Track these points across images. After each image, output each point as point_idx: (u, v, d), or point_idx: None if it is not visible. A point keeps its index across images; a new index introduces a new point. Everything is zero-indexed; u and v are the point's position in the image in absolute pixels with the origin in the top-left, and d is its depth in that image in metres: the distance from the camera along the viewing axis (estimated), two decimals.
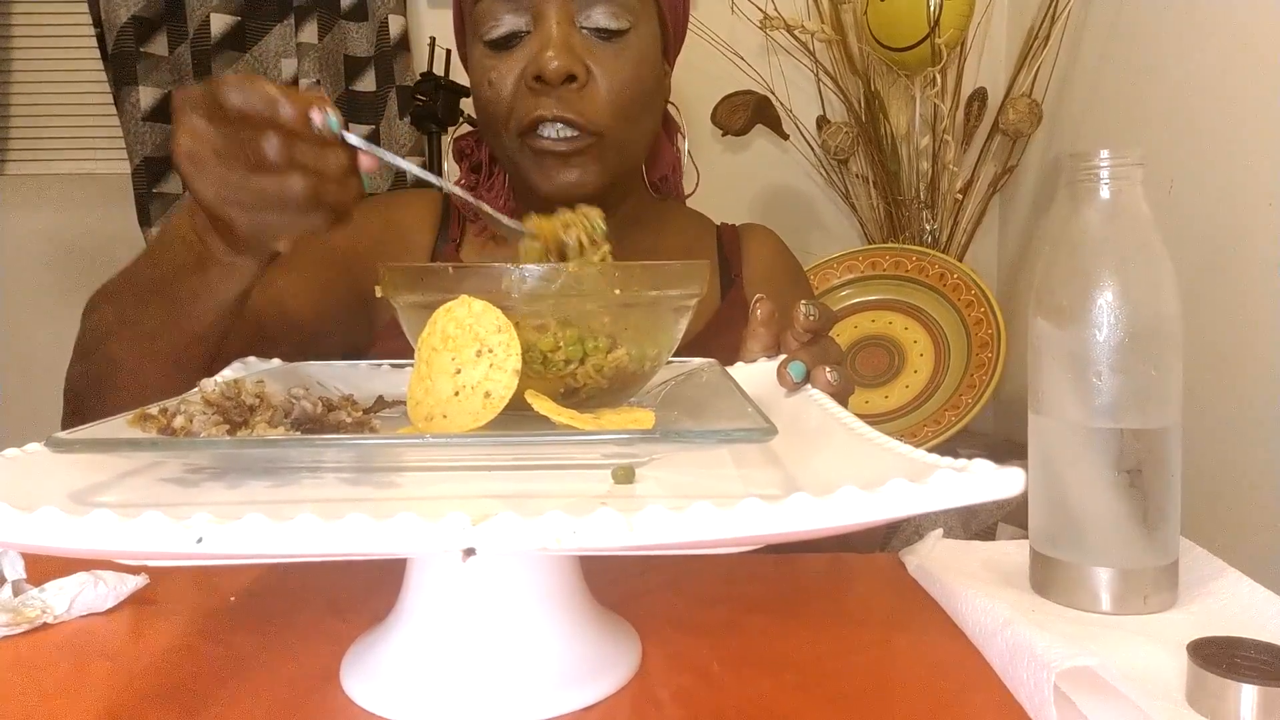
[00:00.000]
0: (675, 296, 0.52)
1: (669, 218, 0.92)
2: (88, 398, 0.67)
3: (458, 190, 0.59)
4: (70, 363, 0.69)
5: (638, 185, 0.88)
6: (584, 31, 0.76)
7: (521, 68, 0.75)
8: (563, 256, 0.57)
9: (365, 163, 0.54)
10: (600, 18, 0.76)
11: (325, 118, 0.51)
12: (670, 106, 0.90)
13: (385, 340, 0.83)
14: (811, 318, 0.59)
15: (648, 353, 0.52)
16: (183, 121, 0.52)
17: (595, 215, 0.59)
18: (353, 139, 0.53)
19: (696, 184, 0.96)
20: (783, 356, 0.58)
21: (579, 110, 0.75)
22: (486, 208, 0.59)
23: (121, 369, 0.64)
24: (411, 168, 0.56)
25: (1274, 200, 1.10)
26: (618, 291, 0.49)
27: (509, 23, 0.76)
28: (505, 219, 0.59)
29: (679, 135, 0.93)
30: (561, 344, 0.48)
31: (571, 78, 0.74)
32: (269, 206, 0.52)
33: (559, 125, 0.75)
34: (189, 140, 0.51)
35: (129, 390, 0.63)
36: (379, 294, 0.53)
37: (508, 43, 0.77)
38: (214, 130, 0.51)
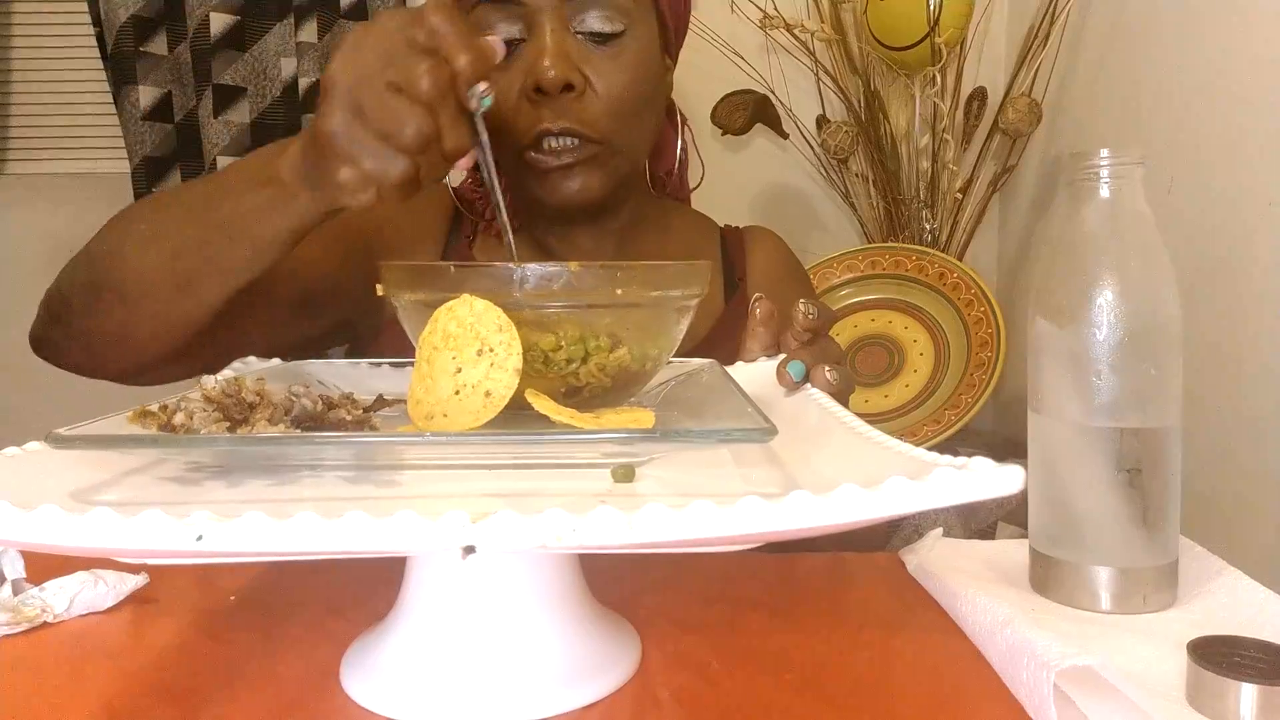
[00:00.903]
0: (677, 297, 0.52)
1: (673, 220, 0.92)
2: (74, 306, 0.65)
3: (503, 210, 0.59)
4: (67, 266, 0.67)
5: (641, 186, 0.88)
6: (579, 36, 0.76)
7: (520, 80, 0.75)
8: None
9: (463, 159, 0.54)
10: (594, 22, 0.75)
11: (480, 94, 0.52)
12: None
13: (392, 329, 0.83)
14: (811, 316, 0.59)
15: (649, 352, 0.52)
16: (372, 31, 0.52)
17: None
18: (482, 134, 0.54)
19: (702, 176, 0.96)
20: (782, 356, 0.58)
21: (579, 119, 0.75)
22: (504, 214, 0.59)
23: (126, 287, 0.62)
24: (498, 195, 0.57)
25: (1274, 200, 1.10)
26: (620, 291, 0.49)
27: (503, 30, 0.75)
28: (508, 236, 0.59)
29: (684, 126, 0.92)
30: (564, 343, 0.48)
31: (569, 86, 0.74)
32: (385, 132, 0.50)
33: (562, 137, 0.75)
34: (358, 54, 0.51)
35: (119, 315, 0.62)
36: (380, 292, 0.53)
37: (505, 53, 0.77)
38: (381, 44, 0.51)
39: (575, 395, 0.50)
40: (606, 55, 0.76)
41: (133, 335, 0.64)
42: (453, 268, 0.49)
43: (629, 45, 0.77)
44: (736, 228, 0.95)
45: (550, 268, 0.48)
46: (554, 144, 0.75)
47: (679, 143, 0.92)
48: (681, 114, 0.92)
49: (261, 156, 0.61)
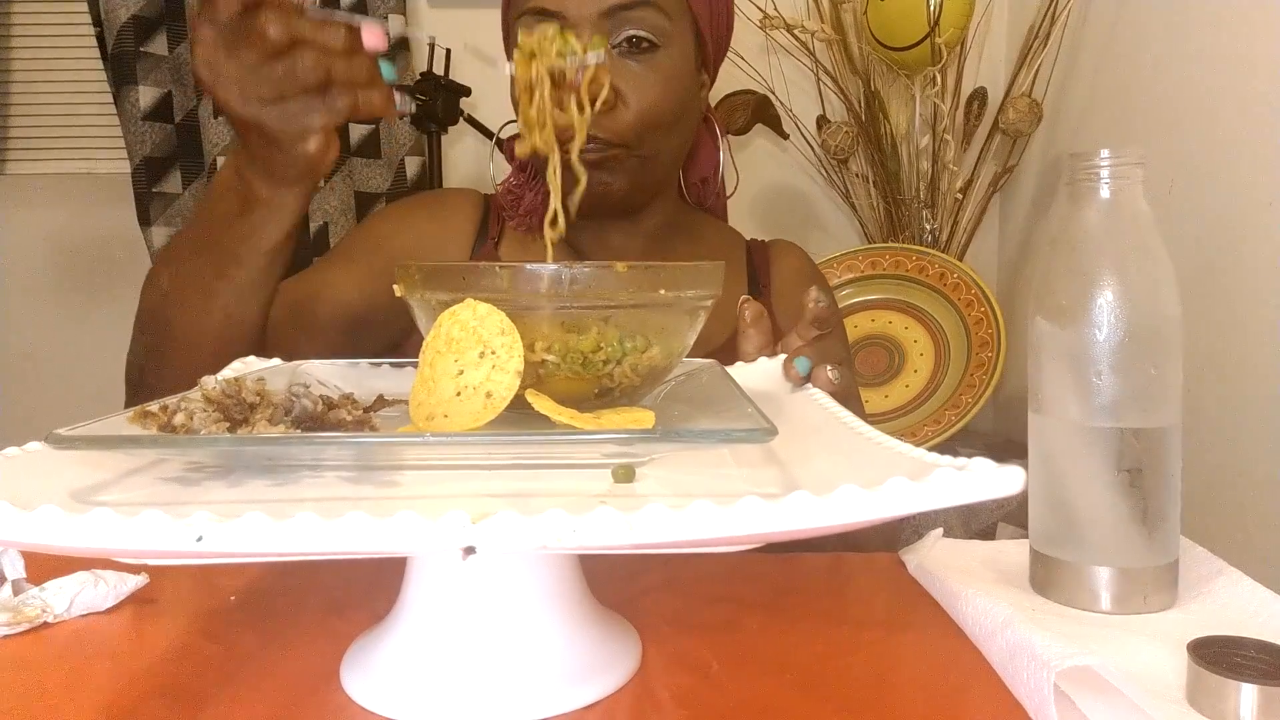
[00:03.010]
0: (697, 297, 0.52)
1: (702, 230, 0.93)
2: (147, 371, 0.69)
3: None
4: (131, 338, 0.70)
5: (672, 195, 0.89)
6: (615, 50, 0.77)
7: None
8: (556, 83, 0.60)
9: (370, 40, 0.57)
10: (631, 30, 0.77)
11: None
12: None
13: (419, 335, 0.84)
14: (821, 304, 0.59)
15: (674, 350, 0.52)
16: (197, 37, 0.55)
17: (567, 36, 0.61)
18: (339, 14, 0.56)
19: (736, 185, 0.97)
20: (783, 356, 0.58)
21: (609, 130, 0.76)
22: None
23: (175, 335, 0.66)
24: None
25: (1274, 200, 1.10)
26: (663, 291, 0.49)
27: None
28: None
29: (722, 137, 0.93)
30: (603, 345, 0.48)
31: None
32: (286, 92, 0.55)
33: (589, 144, 0.76)
34: (202, 50, 0.55)
35: (181, 362, 0.65)
36: (398, 293, 0.52)
37: None
38: (221, 32, 0.54)
39: (606, 395, 0.50)
40: (641, 69, 0.77)
41: (203, 368, 0.66)
42: (498, 268, 0.48)
43: (663, 61, 0.78)
44: (762, 241, 0.96)
45: (589, 269, 0.47)
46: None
47: (718, 154, 0.93)
48: (721, 127, 0.93)
49: (227, 186, 0.64)
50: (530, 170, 0.89)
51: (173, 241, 0.71)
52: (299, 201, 0.63)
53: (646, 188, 0.82)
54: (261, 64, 0.55)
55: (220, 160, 1.73)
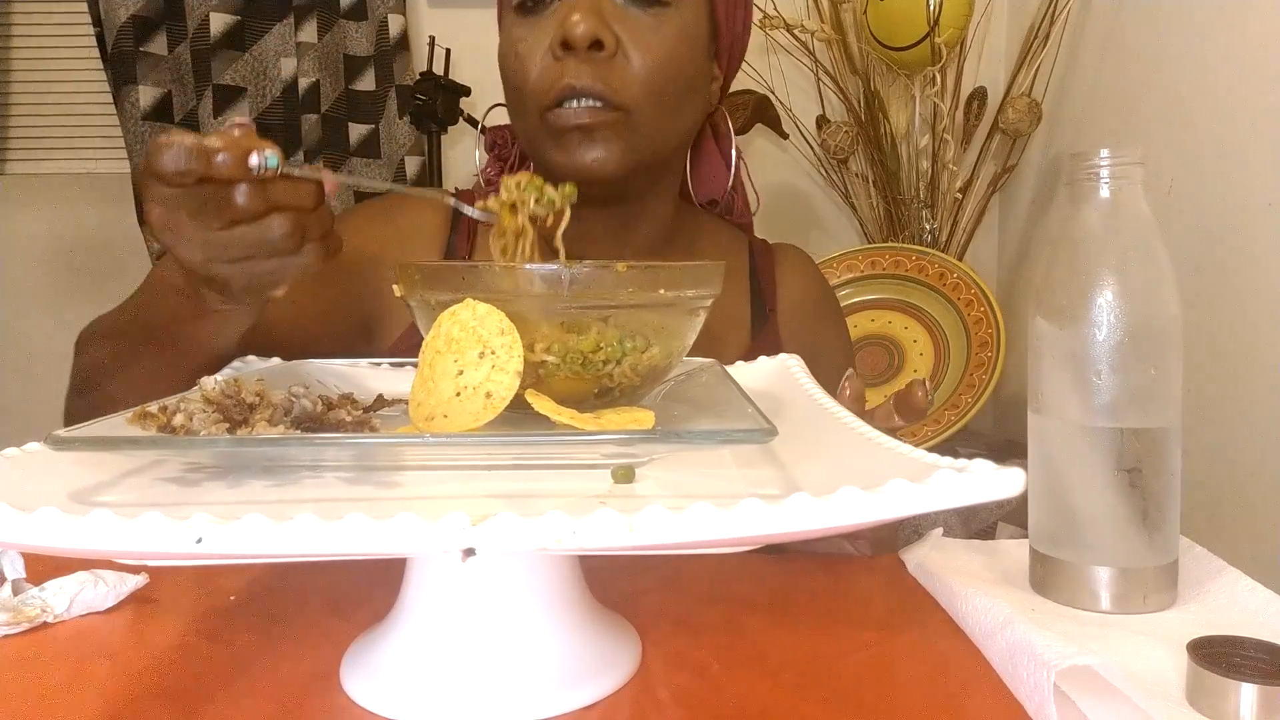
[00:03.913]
0: (697, 296, 0.51)
1: (702, 230, 0.87)
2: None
3: (402, 189, 0.59)
4: (68, 395, 0.68)
5: (670, 190, 0.82)
6: (620, 1, 0.71)
7: (548, 38, 0.71)
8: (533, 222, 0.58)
9: (328, 186, 0.52)
10: None
11: (263, 159, 0.49)
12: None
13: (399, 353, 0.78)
14: (930, 402, 0.57)
15: (674, 350, 0.52)
16: (149, 193, 0.50)
17: (539, 183, 0.58)
18: (297, 170, 0.51)
19: (757, 205, 0.92)
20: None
21: (606, 80, 0.69)
22: (451, 200, 0.59)
23: (118, 402, 0.61)
24: (353, 180, 0.56)
25: (1274, 200, 1.10)
26: (663, 291, 0.49)
27: None
28: (468, 208, 0.58)
29: (734, 153, 0.86)
30: (603, 345, 0.48)
31: (599, 44, 0.69)
32: (256, 255, 0.51)
33: (584, 98, 0.70)
34: (160, 211, 0.50)
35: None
36: (397, 293, 0.52)
37: (537, 8, 0.73)
38: (180, 194, 0.49)
39: (606, 395, 0.50)
40: (648, 22, 0.71)
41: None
42: (498, 268, 0.48)
43: (673, 18, 0.72)
44: (766, 243, 0.90)
45: (591, 267, 0.47)
46: (575, 104, 0.70)
47: (727, 172, 0.86)
48: (738, 149, 0.87)
49: (173, 288, 0.58)
50: (510, 162, 0.85)
51: (110, 319, 0.67)
52: (259, 309, 0.59)
53: (641, 173, 0.74)
54: (228, 229, 0.50)
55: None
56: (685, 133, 0.78)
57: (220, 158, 0.48)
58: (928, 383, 0.56)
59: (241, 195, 0.49)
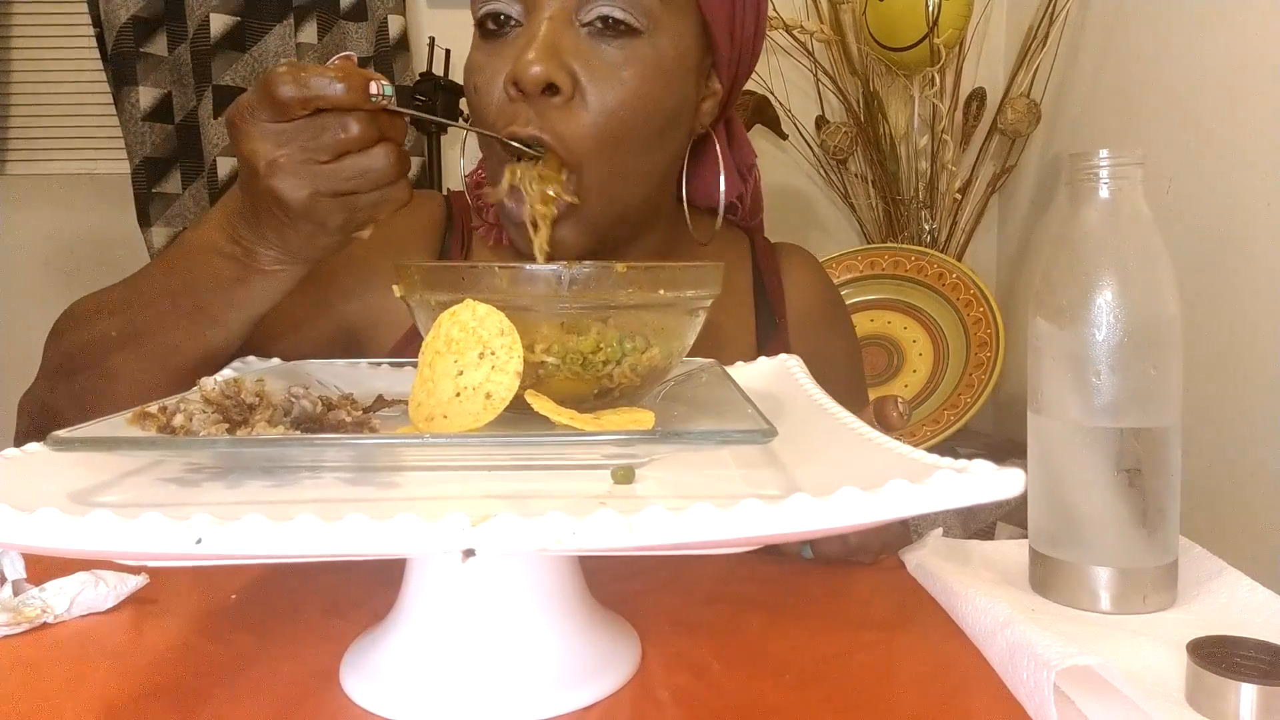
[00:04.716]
0: (697, 296, 0.51)
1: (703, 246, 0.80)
2: (66, 412, 0.62)
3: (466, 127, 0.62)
4: (42, 380, 0.64)
5: (661, 213, 0.74)
6: (585, 29, 0.63)
7: (504, 71, 0.63)
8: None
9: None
10: (606, 8, 0.62)
11: (382, 87, 0.52)
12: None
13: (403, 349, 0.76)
14: (905, 419, 0.54)
15: (674, 350, 0.52)
16: (250, 133, 0.51)
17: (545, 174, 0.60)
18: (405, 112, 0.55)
19: (760, 217, 0.88)
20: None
21: (554, 130, 0.62)
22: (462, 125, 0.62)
23: (121, 380, 0.61)
24: (447, 121, 0.67)
25: (1274, 200, 1.10)
26: (661, 291, 0.49)
27: (501, 6, 0.64)
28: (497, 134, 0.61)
29: (751, 168, 0.80)
30: (603, 345, 0.48)
31: (552, 88, 0.61)
32: (360, 188, 0.53)
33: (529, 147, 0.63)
34: (266, 147, 0.51)
35: (129, 401, 0.59)
36: (397, 294, 0.52)
37: (497, 31, 0.65)
38: (288, 128, 0.51)
39: (606, 396, 0.50)
40: (614, 56, 0.63)
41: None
42: (498, 268, 0.48)
43: (646, 51, 0.63)
44: (768, 243, 0.85)
45: (590, 269, 0.47)
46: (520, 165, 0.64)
47: (740, 181, 0.80)
48: (743, 155, 0.80)
49: (215, 251, 0.59)
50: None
51: (97, 297, 0.64)
52: (307, 271, 0.59)
53: (619, 226, 0.68)
54: (336, 161, 0.51)
55: (221, 162, 1.72)
56: (664, 169, 0.70)
57: (340, 85, 0.50)
58: (901, 401, 0.54)
59: (357, 124, 0.51)
